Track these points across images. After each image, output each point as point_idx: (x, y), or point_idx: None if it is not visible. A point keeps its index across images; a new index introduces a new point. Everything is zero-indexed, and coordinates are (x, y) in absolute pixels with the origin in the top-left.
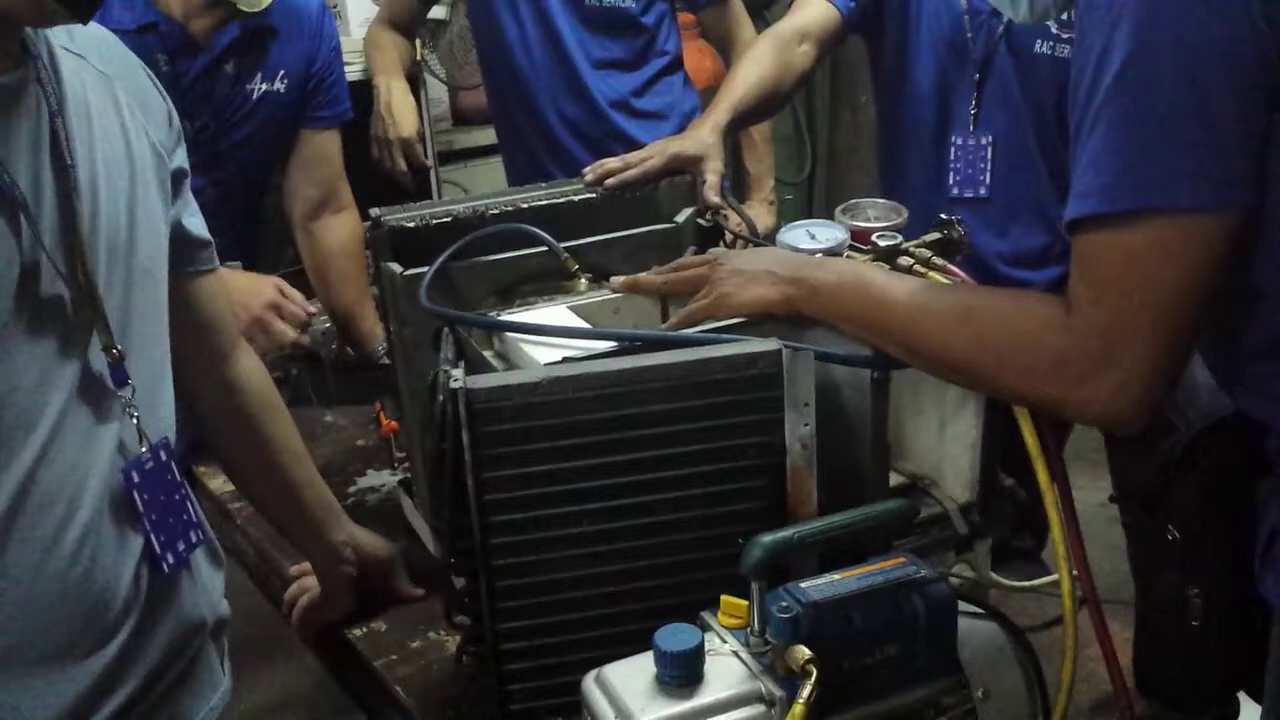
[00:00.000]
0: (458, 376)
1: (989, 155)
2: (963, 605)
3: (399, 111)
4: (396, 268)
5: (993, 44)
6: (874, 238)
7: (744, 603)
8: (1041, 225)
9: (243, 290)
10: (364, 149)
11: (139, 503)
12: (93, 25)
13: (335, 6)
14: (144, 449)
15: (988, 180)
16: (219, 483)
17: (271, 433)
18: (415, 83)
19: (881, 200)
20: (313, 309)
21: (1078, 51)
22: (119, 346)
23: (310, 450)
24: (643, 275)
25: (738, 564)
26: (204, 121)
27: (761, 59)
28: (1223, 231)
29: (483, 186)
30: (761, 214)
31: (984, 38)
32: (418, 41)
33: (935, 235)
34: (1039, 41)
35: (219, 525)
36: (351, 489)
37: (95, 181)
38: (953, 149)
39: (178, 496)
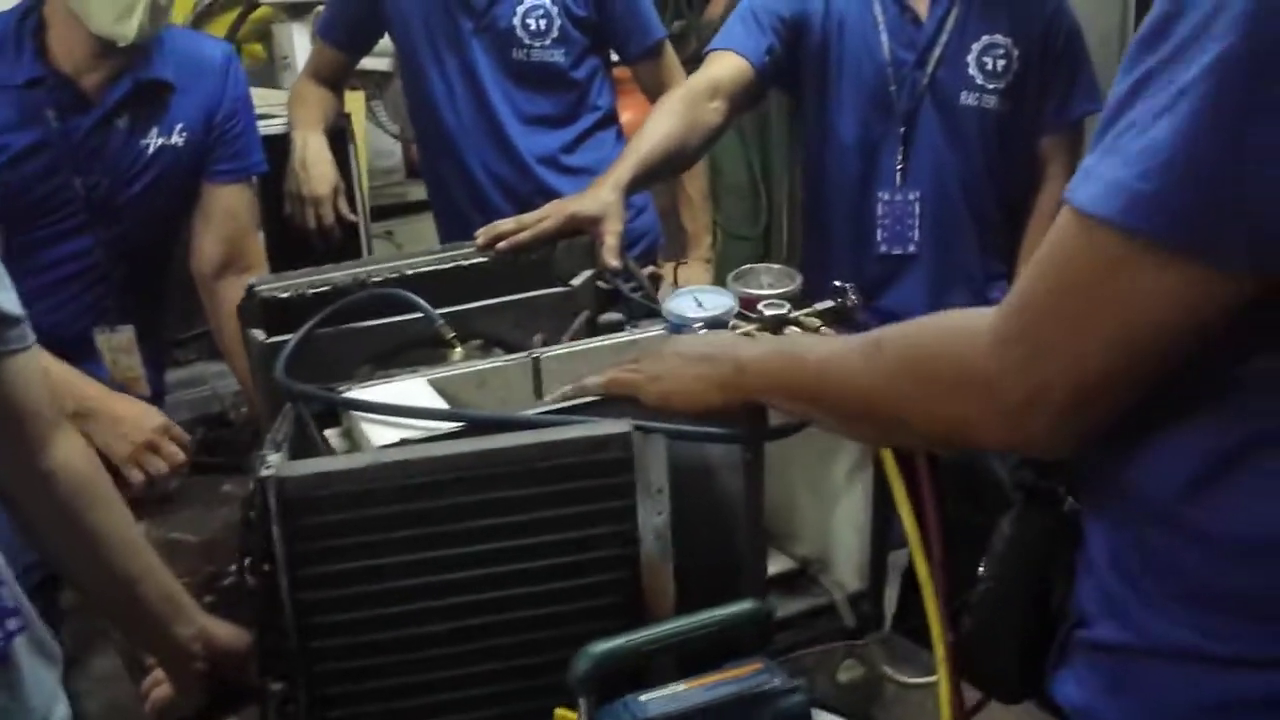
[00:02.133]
0: (272, 462)
1: (917, 211)
2: (826, 717)
3: (314, 166)
4: (259, 334)
5: (917, 96)
6: (760, 306)
7: (573, 715)
8: (968, 287)
9: (131, 416)
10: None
11: None
12: None
13: (286, 58)
14: None
15: (916, 237)
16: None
17: (98, 525)
18: (341, 137)
19: (776, 266)
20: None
21: None
22: None
23: (202, 520)
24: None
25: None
26: (95, 179)
27: (670, 114)
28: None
29: (427, 241)
30: (699, 273)
31: (908, 90)
32: (362, 94)
33: (827, 304)
34: (964, 93)
35: (83, 608)
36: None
37: None
38: (880, 204)
39: None
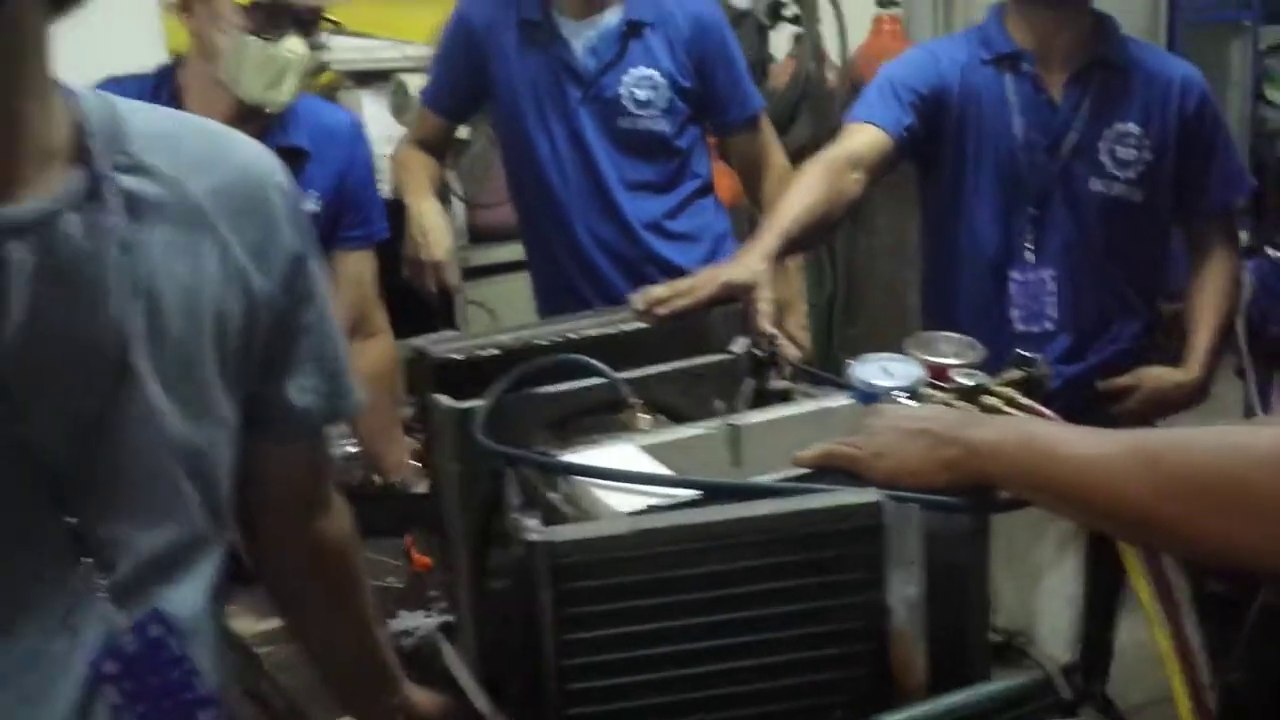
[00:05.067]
0: (535, 526)
1: (1051, 290)
2: None
3: (433, 232)
4: (447, 400)
5: (1049, 179)
6: (953, 375)
7: None
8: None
9: None
10: (391, 269)
11: (119, 695)
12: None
13: None
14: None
15: (1054, 315)
16: (246, 623)
17: (350, 598)
18: (443, 202)
19: (955, 335)
20: None
21: None
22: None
23: None
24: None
25: None
26: None
27: (812, 185)
28: None
29: (500, 304)
30: (798, 337)
31: (1040, 173)
32: None
33: (1017, 374)
34: (1094, 179)
35: (241, 670)
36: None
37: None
38: (1013, 283)
39: (178, 674)
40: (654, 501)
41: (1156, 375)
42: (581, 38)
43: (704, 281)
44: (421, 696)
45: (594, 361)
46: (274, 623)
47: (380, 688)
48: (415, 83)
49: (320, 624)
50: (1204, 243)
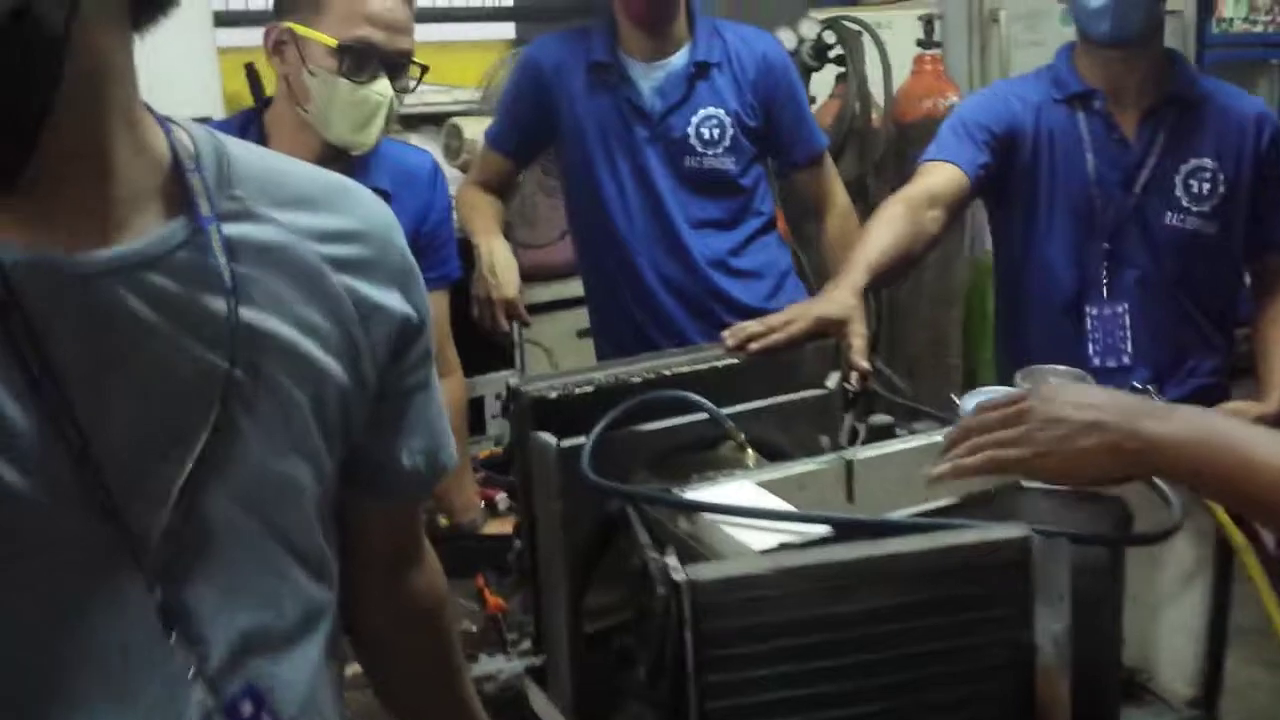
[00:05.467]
0: (676, 566)
1: (1127, 324)
2: None
3: (503, 272)
4: (550, 439)
5: (1123, 216)
6: None
7: None
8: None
9: None
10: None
11: None
12: None
13: None
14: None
15: (1129, 349)
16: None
17: (442, 658)
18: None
19: (1062, 367)
20: None
21: None
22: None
23: None
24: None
25: None
26: None
27: (894, 222)
28: None
29: (551, 341)
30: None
31: (1113, 209)
32: None
33: None
34: (1169, 214)
35: None
36: None
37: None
38: (1089, 319)
39: None
40: (785, 539)
41: (1239, 409)
42: (649, 79)
43: (797, 316)
44: None
45: (698, 398)
46: (355, 668)
47: None
48: (469, 127)
49: (411, 683)
50: (1274, 275)
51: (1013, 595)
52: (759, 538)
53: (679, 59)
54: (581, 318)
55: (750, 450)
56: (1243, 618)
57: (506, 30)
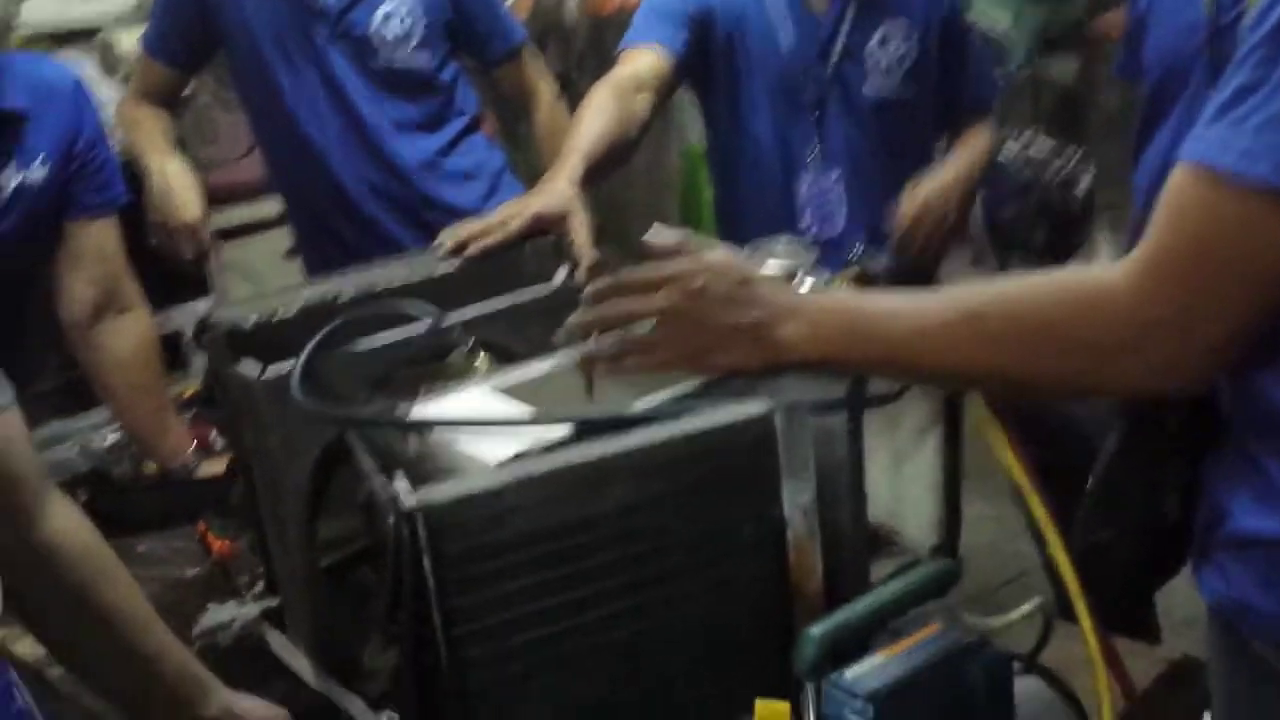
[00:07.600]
0: (406, 491)
1: (841, 194)
2: None
3: (180, 193)
4: (251, 370)
5: (823, 87)
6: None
7: (784, 706)
8: None
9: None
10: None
11: None
12: None
13: None
14: None
15: (844, 219)
16: (26, 645)
17: (107, 598)
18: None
19: (788, 237)
20: None
21: None
22: None
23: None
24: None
25: (793, 661)
26: None
27: (604, 107)
28: None
29: (256, 265)
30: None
31: (813, 82)
32: None
33: (854, 271)
34: (866, 82)
35: (36, 698)
36: (195, 631)
37: None
38: (801, 192)
39: None
40: (523, 446)
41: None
42: None
43: (514, 213)
44: (251, 705)
45: (421, 303)
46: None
47: (185, 703)
48: (125, 39)
49: (83, 636)
50: (969, 130)
51: (760, 472)
52: (494, 448)
53: None
54: (285, 238)
55: (483, 355)
56: (969, 459)
57: None
